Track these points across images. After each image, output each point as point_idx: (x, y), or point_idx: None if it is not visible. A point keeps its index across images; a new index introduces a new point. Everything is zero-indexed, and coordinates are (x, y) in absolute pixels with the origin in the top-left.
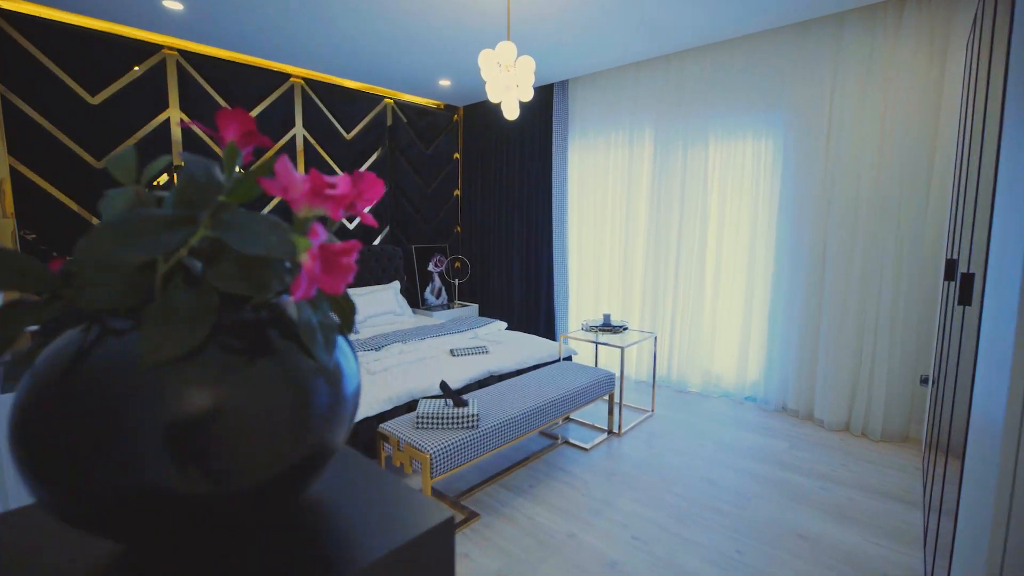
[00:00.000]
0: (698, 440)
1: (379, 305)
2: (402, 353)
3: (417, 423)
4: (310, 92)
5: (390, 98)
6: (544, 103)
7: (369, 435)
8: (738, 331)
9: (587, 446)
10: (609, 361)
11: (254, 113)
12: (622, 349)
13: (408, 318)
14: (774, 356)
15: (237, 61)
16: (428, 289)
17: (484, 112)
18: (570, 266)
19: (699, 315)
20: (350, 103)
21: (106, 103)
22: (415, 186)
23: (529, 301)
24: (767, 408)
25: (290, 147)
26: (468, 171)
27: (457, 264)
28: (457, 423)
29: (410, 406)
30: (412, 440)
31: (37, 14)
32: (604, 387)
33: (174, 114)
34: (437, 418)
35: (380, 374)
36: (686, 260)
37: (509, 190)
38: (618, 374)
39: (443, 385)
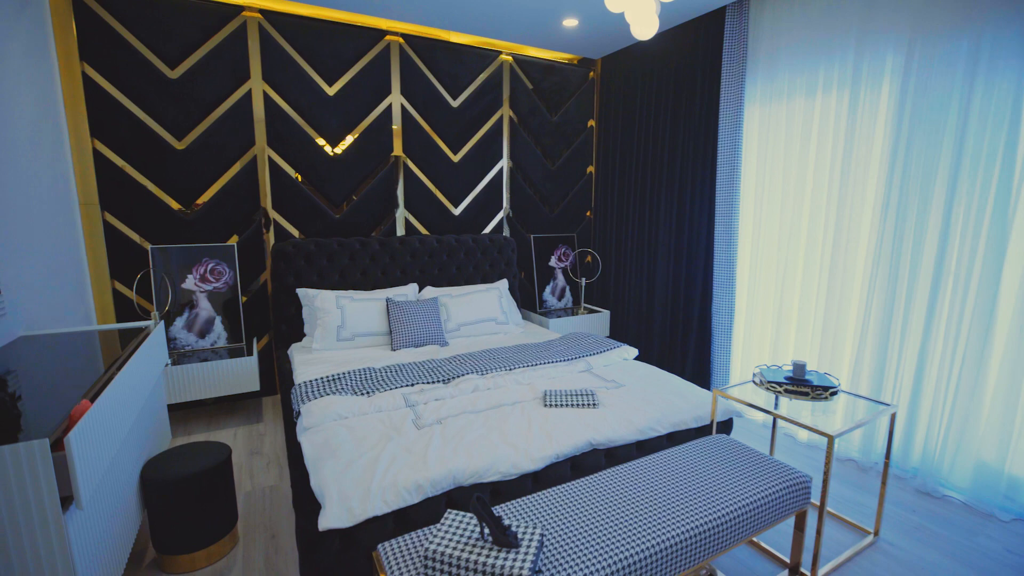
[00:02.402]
0: None
1: (477, 311)
2: (476, 392)
3: (427, 568)
4: (409, 51)
5: (507, 53)
6: (710, 39)
7: (373, 545)
8: None
9: None
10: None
11: (343, 81)
12: (831, 439)
13: (513, 328)
14: None
15: (325, 19)
16: (549, 288)
17: (626, 63)
18: (739, 277)
19: (977, 372)
20: (457, 62)
21: (185, 76)
22: (537, 163)
23: (676, 320)
24: None
25: (384, 119)
26: (605, 142)
27: (588, 259)
28: None
29: (451, 498)
30: None
31: None
32: (793, 500)
33: (256, 85)
34: (460, 567)
35: (428, 429)
36: (959, 278)
37: (656, 165)
38: (821, 475)
39: (477, 503)
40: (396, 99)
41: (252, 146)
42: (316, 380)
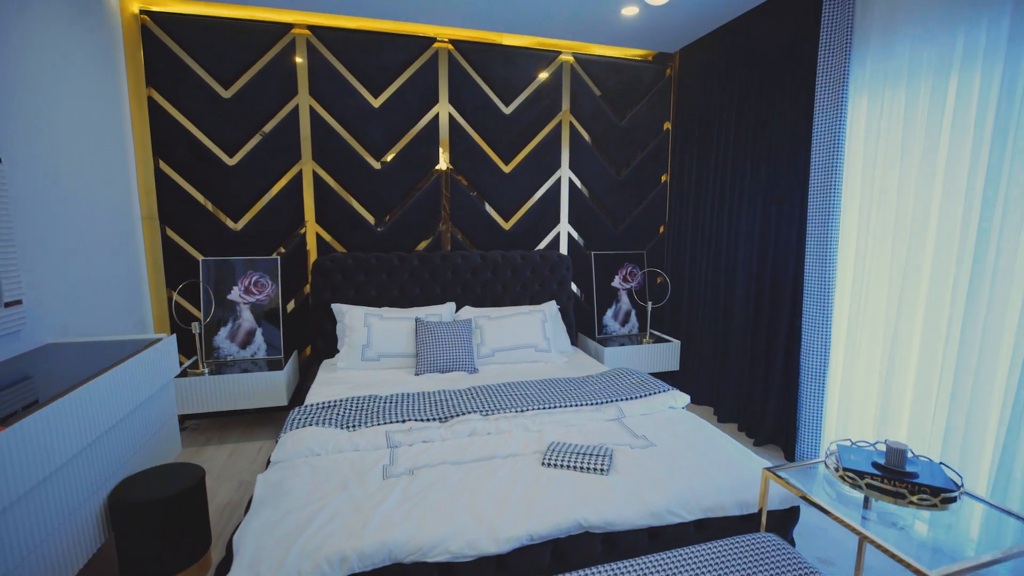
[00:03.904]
0: None
1: (516, 335)
2: (472, 436)
3: None
4: (458, 57)
5: (568, 53)
6: (805, 13)
7: None
8: None
9: None
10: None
11: (389, 92)
12: None
13: (555, 357)
14: None
15: (371, 30)
16: (611, 311)
17: (706, 54)
18: (837, 314)
19: None
20: (510, 66)
21: (237, 95)
22: (601, 172)
23: (756, 362)
24: None
25: (431, 129)
26: (681, 146)
27: (659, 280)
28: None
29: None
30: None
31: (178, 11)
32: None
33: (303, 101)
34: None
35: (394, 480)
36: None
37: (737, 172)
38: None
39: None
40: (444, 108)
41: (298, 160)
42: (313, 405)
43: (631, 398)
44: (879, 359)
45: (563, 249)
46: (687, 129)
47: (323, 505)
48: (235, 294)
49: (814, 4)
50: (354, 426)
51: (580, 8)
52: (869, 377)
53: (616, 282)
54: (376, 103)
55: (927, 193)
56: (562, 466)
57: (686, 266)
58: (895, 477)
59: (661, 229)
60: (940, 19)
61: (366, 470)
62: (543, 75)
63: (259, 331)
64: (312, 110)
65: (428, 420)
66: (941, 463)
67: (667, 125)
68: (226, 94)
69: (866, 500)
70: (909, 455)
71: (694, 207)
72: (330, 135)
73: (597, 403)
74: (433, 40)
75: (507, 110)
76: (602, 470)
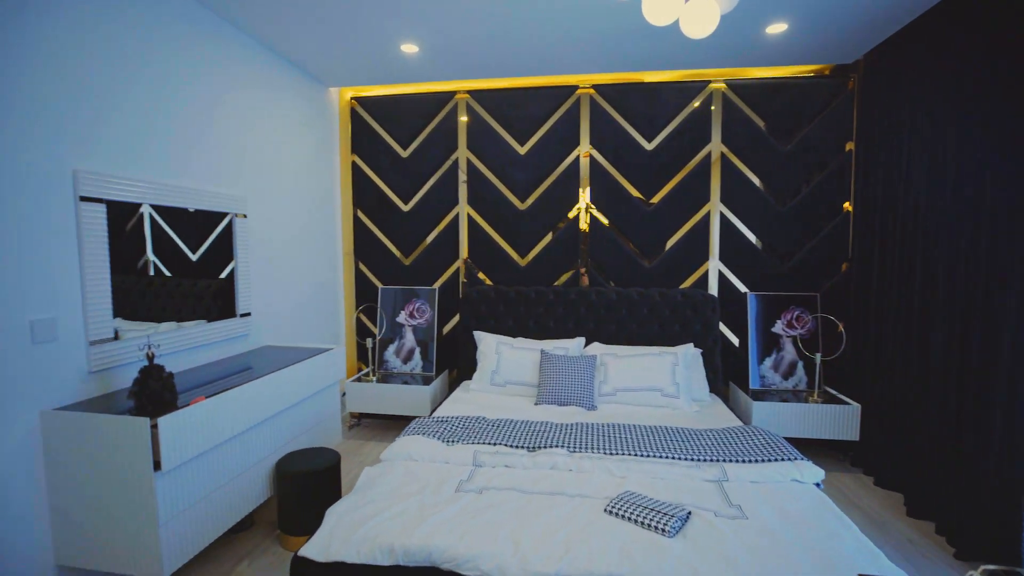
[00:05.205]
0: None
1: (641, 377)
2: (553, 469)
3: None
4: (600, 100)
5: (718, 81)
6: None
7: None
8: None
9: None
10: None
11: (534, 140)
12: None
13: (684, 404)
14: None
15: (519, 87)
16: (770, 360)
17: (898, 56)
18: None
19: None
20: (653, 102)
21: (412, 154)
22: (759, 204)
23: (959, 439)
24: None
25: (572, 171)
26: (868, 169)
27: (840, 328)
28: None
29: (425, 574)
30: None
31: (376, 94)
32: None
33: (461, 154)
34: None
35: (463, 495)
36: None
37: (936, 199)
38: None
39: None
40: (584, 149)
41: (456, 205)
42: (432, 418)
43: (743, 460)
44: None
45: (713, 288)
46: (878, 149)
47: (396, 502)
48: (402, 317)
49: None
50: (452, 441)
51: (721, 35)
52: None
53: (778, 328)
54: (522, 151)
55: None
56: (624, 517)
57: (872, 313)
58: None
59: (844, 267)
60: None
61: (444, 480)
62: (694, 105)
63: (417, 350)
64: (468, 161)
65: (516, 447)
66: None
67: (849, 146)
68: (404, 153)
69: None
70: None
71: (881, 241)
72: (482, 181)
73: (698, 459)
74: (575, 88)
75: (649, 146)
76: (665, 531)
